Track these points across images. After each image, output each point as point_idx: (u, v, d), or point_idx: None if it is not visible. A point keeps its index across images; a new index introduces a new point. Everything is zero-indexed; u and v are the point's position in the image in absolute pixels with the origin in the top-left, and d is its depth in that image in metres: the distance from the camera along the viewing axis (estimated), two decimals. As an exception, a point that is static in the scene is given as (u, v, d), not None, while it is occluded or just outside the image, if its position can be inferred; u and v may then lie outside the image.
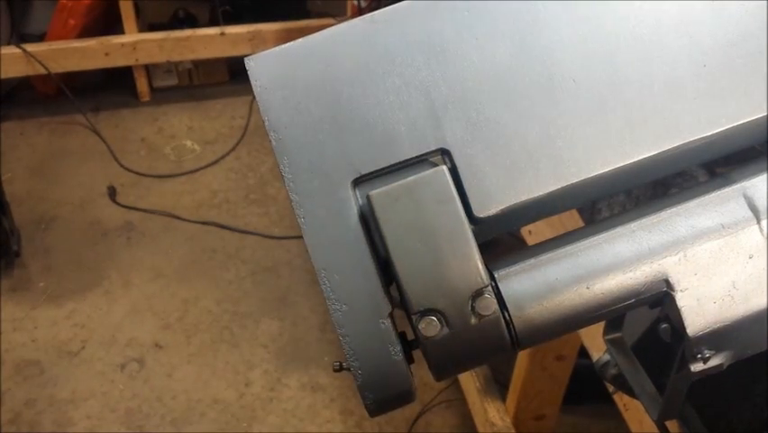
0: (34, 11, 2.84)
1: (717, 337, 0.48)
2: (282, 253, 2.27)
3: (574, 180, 0.49)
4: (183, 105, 2.91)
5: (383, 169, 0.49)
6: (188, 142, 2.74)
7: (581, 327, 0.50)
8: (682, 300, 0.48)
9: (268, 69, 0.51)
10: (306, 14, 3.08)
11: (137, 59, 2.78)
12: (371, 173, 0.49)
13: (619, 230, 0.50)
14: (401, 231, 0.47)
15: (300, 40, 0.52)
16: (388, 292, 0.47)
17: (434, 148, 0.49)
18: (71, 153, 2.66)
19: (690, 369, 0.49)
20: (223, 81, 3.01)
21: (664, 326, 0.51)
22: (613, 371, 0.71)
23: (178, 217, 2.39)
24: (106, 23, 2.84)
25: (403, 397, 0.47)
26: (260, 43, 2.79)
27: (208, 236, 2.33)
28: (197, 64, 2.97)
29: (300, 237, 0.49)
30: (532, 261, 0.49)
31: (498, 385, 1.66)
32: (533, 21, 0.51)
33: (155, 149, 2.70)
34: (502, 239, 0.56)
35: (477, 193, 0.48)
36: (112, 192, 2.45)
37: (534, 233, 1.26)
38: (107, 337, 2.02)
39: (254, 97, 0.50)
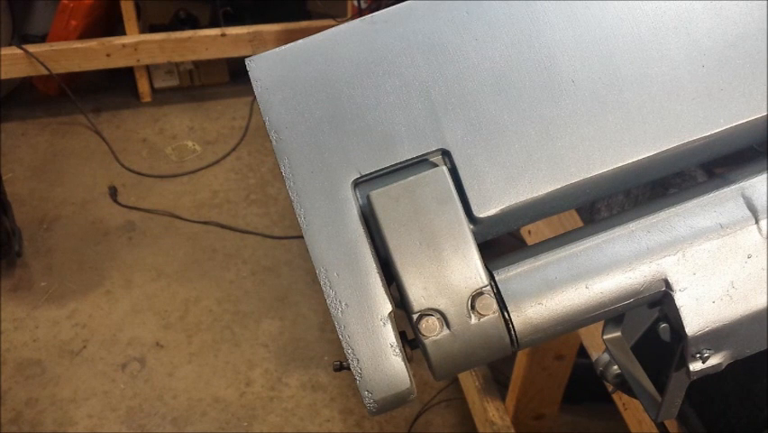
0: (36, 12, 2.84)
1: (715, 337, 0.48)
2: (283, 253, 2.27)
3: (573, 180, 0.49)
4: (184, 106, 2.91)
5: (383, 169, 0.49)
6: (189, 143, 2.74)
7: (581, 327, 0.50)
8: (681, 300, 0.48)
9: (268, 70, 0.51)
10: (306, 15, 3.09)
11: (138, 60, 2.78)
12: (372, 173, 0.49)
13: (618, 230, 0.50)
14: (401, 231, 0.47)
15: (301, 41, 0.52)
16: (388, 292, 0.48)
17: (433, 148, 0.49)
18: (73, 154, 2.67)
19: (689, 368, 0.49)
20: (223, 82, 3.01)
21: (663, 325, 0.51)
22: (612, 370, 0.71)
23: (179, 217, 2.40)
24: (108, 23, 2.84)
25: (403, 396, 0.47)
26: (260, 44, 2.79)
27: (209, 236, 2.34)
28: (198, 65, 2.97)
29: (301, 237, 0.49)
30: (531, 261, 0.50)
31: (498, 384, 1.66)
32: (532, 21, 0.51)
33: (156, 149, 2.70)
34: (502, 239, 0.57)
35: (477, 193, 0.49)
36: (113, 192, 2.45)
37: (533, 233, 1.26)
38: (108, 337, 2.03)
39: (255, 98, 0.51)
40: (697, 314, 0.48)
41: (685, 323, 0.48)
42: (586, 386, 1.46)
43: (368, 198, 0.48)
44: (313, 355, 1.98)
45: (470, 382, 1.66)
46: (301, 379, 1.92)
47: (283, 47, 0.52)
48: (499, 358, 0.49)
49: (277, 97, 0.50)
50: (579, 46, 0.50)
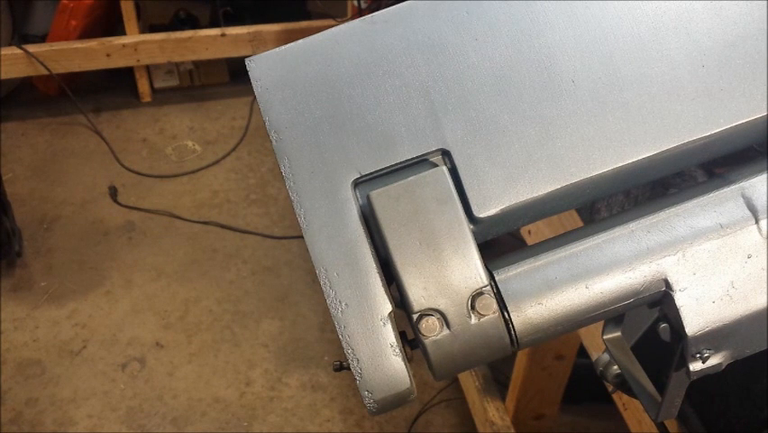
0: (36, 12, 2.84)
1: (715, 337, 0.48)
2: (283, 253, 2.27)
3: (573, 180, 0.49)
4: (184, 106, 2.91)
5: (383, 169, 0.49)
6: (189, 143, 2.74)
7: (581, 327, 0.50)
8: (681, 300, 0.48)
9: (268, 70, 0.51)
10: (306, 15, 3.09)
11: (138, 60, 2.78)
12: (372, 173, 0.49)
13: (618, 230, 0.50)
14: (401, 231, 0.47)
15: (301, 41, 0.52)
16: (388, 292, 0.48)
17: (433, 148, 0.49)
18: (73, 154, 2.67)
19: (689, 368, 0.49)
20: (223, 82, 3.01)
21: (663, 325, 0.51)
22: (612, 370, 0.71)
23: (179, 217, 2.40)
24: (108, 23, 2.84)
25: (403, 396, 0.47)
26: (260, 44, 2.79)
27: (209, 236, 2.34)
28: (198, 65, 2.97)
29: (301, 237, 0.49)
30: (531, 261, 0.50)
31: (498, 384, 1.66)
32: (532, 21, 0.51)
33: (156, 149, 2.70)
34: (502, 239, 0.57)
35: (477, 193, 0.49)
36: (113, 192, 2.45)
37: (533, 233, 1.26)
38: (108, 337, 2.03)
39: (255, 98, 0.51)
40: (697, 314, 0.48)
41: (685, 323, 0.48)
42: (586, 386, 1.46)
43: (368, 197, 0.48)
44: (313, 355, 1.98)
45: (470, 382, 1.66)
46: (301, 379, 1.92)
47: (283, 47, 0.52)
48: (499, 358, 0.49)
49: (277, 97, 0.50)
50: (579, 46, 0.50)
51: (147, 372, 1.94)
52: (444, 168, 0.48)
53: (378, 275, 0.47)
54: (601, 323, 0.59)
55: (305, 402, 1.87)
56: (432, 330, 0.46)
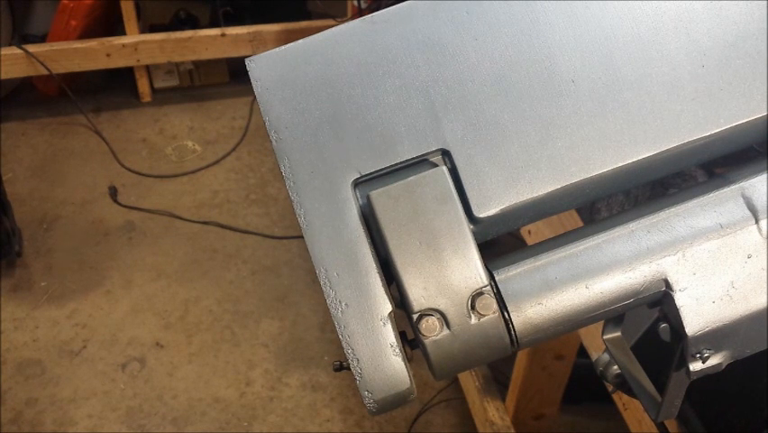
0: (36, 12, 2.84)
1: (715, 337, 0.48)
2: (283, 253, 2.27)
3: (573, 180, 0.49)
4: (184, 106, 2.91)
5: (383, 169, 0.49)
6: (189, 143, 2.74)
7: (581, 327, 0.50)
8: (681, 300, 0.48)
9: (268, 70, 0.51)
10: (306, 15, 3.09)
11: (138, 60, 2.78)
12: (372, 173, 0.49)
13: (618, 230, 0.50)
14: (401, 231, 0.47)
15: (301, 41, 0.52)
16: (388, 292, 0.48)
17: (433, 148, 0.49)
18: (73, 154, 2.67)
19: (689, 368, 0.49)
20: (223, 82, 3.01)
21: (663, 325, 0.51)
22: (612, 370, 0.71)
23: (179, 217, 2.40)
24: (108, 23, 2.84)
25: (403, 396, 0.47)
26: (260, 44, 2.79)
27: (209, 236, 2.34)
28: (198, 65, 2.97)
29: (301, 237, 0.49)
30: (531, 261, 0.50)
31: (498, 384, 1.66)
32: (532, 21, 0.51)
33: (156, 149, 2.70)
34: (502, 239, 0.57)
35: (477, 193, 0.49)
36: (113, 192, 2.45)
37: (533, 233, 1.26)
38: (108, 337, 2.03)
39: (255, 98, 0.51)
40: (697, 314, 0.48)
41: (685, 323, 0.48)
42: (586, 386, 1.46)
43: (368, 197, 0.48)
44: (313, 355, 1.98)
45: (470, 382, 1.66)
46: (301, 379, 1.92)
47: (283, 47, 0.52)
48: (499, 358, 0.49)
49: (277, 97, 0.50)
50: (579, 46, 0.50)
51: (147, 372, 1.94)
52: (444, 168, 0.48)
53: (378, 275, 0.47)
54: (601, 323, 0.59)
55: (305, 402, 1.87)
56: (432, 330, 0.46)
